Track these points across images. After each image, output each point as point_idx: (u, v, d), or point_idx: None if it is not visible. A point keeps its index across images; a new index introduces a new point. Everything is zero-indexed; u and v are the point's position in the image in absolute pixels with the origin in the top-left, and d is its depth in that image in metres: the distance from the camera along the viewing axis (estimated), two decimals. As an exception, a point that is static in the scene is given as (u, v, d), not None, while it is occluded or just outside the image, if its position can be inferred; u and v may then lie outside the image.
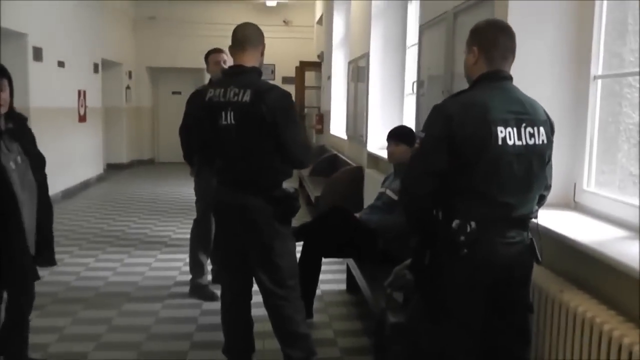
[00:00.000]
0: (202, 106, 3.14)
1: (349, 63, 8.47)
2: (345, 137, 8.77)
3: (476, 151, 2.11)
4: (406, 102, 6.64)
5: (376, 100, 6.83)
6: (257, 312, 3.35)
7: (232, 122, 2.96)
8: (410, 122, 6.05)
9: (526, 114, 2.19)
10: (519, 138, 2.15)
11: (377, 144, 6.82)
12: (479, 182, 2.15)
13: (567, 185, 2.95)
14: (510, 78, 2.26)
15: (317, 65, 12.56)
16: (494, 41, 2.24)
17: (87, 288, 4.87)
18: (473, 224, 2.12)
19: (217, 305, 4.43)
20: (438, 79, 4.26)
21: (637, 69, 2.69)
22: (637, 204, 2.56)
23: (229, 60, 4.57)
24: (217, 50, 4.72)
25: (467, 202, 2.16)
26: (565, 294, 2.38)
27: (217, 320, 4.15)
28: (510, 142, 2.13)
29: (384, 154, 6.36)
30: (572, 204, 2.94)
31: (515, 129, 2.14)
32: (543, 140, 2.22)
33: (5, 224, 2.65)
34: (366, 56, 6.96)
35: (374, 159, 6.86)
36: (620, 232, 2.53)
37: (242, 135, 2.96)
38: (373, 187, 6.32)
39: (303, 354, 3.18)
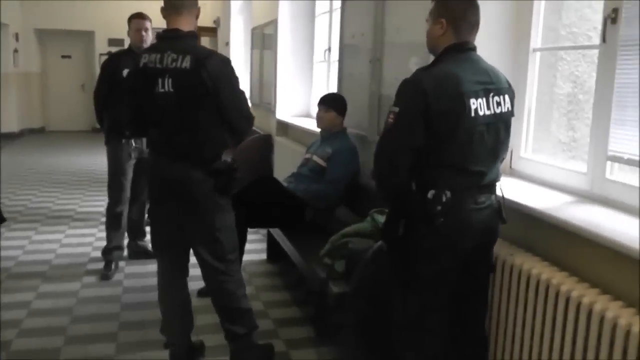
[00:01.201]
0: (135, 72, 2.95)
1: (253, 30, 8.28)
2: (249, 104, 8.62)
3: (451, 125, 2.14)
4: (316, 69, 6.62)
5: (285, 68, 6.75)
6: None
7: (170, 89, 2.81)
8: (322, 89, 6.07)
9: (492, 83, 2.24)
10: (488, 108, 2.20)
11: (288, 111, 6.78)
12: (454, 153, 2.18)
13: (505, 153, 3.07)
14: (475, 48, 2.30)
15: (213, 31, 12.20)
16: (462, 14, 2.25)
17: (-4, 270, 4.52)
18: (448, 193, 2.15)
19: (138, 282, 4.31)
20: (364, 48, 4.27)
21: (571, 44, 2.85)
22: (570, 168, 2.73)
23: (150, 30, 4.31)
24: (140, 16, 4.36)
25: (442, 173, 2.19)
26: (516, 257, 2.47)
27: (140, 298, 4.06)
28: (481, 113, 2.17)
29: (295, 121, 6.37)
30: (508, 170, 3.07)
31: (484, 99, 2.19)
32: (508, 108, 2.29)
33: None
34: (274, 23, 6.83)
35: (283, 126, 6.81)
36: (559, 196, 2.65)
37: (182, 103, 2.81)
38: (285, 155, 6.31)
39: (245, 329, 3.11)
